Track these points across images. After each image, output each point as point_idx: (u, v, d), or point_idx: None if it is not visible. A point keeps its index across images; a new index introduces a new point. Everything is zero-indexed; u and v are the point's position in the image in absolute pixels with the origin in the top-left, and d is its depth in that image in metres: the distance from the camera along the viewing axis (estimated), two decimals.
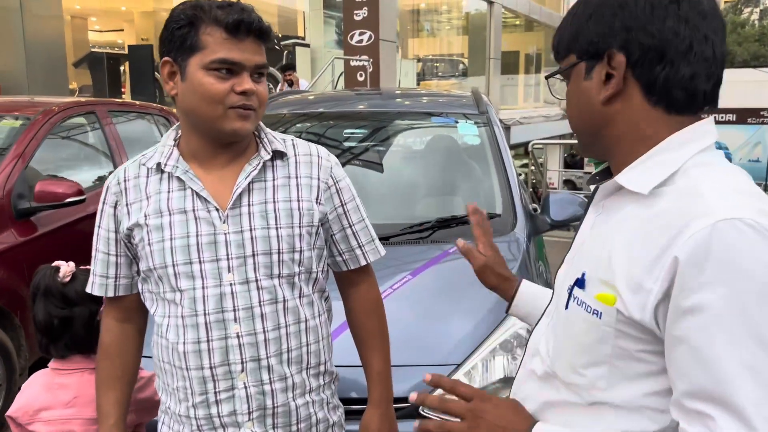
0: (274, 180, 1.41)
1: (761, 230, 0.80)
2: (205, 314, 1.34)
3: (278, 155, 1.44)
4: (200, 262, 1.34)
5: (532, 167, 10.94)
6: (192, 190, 1.36)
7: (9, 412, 1.67)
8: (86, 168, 4.41)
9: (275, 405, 1.39)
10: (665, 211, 0.87)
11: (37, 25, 10.02)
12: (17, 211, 3.53)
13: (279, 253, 1.37)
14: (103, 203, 1.42)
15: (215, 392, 1.35)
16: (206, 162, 1.39)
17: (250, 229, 1.36)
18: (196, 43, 1.30)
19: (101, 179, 4.39)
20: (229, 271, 1.35)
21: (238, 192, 1.37)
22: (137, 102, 6.08)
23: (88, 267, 1.70)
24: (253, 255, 1.36)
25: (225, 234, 1.35)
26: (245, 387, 1.36)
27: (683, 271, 0.82)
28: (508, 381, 2.04)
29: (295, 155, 1.46)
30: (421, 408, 1.92)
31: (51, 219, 3.71)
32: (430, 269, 2.36)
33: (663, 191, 0.90)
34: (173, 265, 1.34)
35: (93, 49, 14.77)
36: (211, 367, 1.35)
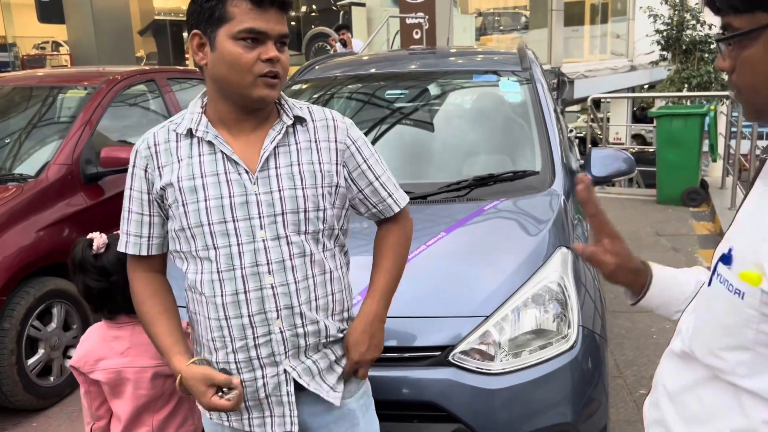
0: (297, 144, 1.52)
1: None
2: (242, 268, 1.46)
3: (299, 120, 1.54)
4: (234, 220, 1.45)
5: (593, 123, 10.65)
6: (223, 153, 1.47)
7: (72, 362, 1.84)
8: None
9: (308, 344, 1.53)
10: None
11: None
12: (85, 176, 3.78)
13: (305, 211, 1.49)
14: (134, 166, 1.51)
15: (254, 337, 1.49)
16: (233, 128, 1.50)
17: (279, 190, 1.47)
18: (224, 14, 1.40)
19: None
20: (261, 229, 1.46)
21: (265, 155, 1.48)
22: (196, 68, 6.26)
23: (118, 232, 1.84)
24: (283, 213, 1.47)
25: (256, 194, 1.46)
26: (281, 331, 1.49)
27: None
28: (539, 333, 2.10)
29: (313, 120, 1.56)
30: (451, 356, 2.01)
31: (116, 183, 3.95)
32: (464, 227, 2.43)
33: None
34: (209, 224, 1.45)
35: (157, 17, 15.12)
36: (249, 315, 1.47)
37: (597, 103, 9.45)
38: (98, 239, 1.80)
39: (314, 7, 15.19)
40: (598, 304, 2.39)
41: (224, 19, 1.40)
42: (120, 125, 4.36)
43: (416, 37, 10.20)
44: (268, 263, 1.47)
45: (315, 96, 3.48)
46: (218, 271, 1.47)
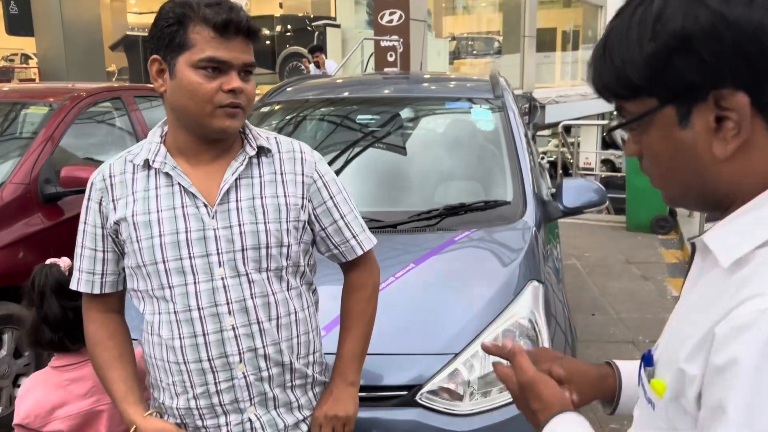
0: (261, 176, 1.44)
1: None
2: (198, 309, 1.38)
3: (263, 151, 1.46)
4: (191, 257, 1.37)
5: (563, 148, 10.75)
6: (180, 185, 1.39)
7: (18, 420, 1.68)
8: (111, 153, 4.49)
9: (273, 388, 1.44)
10: (743, 280, 0.68)
11: (75, 9, 10.17)
12: (44, 195, 3.64)
13: (267, 247, 1.41)
14: (88, 199, 1.45)
15: (215, 383, 1.40)
16: (193, 158, 1.42)
17: (239, 224, 1.39)
18: (185, 42, 1.32)
19: None
20: (220, 266, 1.38)
21: (225, 188, 1.40)
22: None
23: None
24: (243, 249, 1.39)
25: (214, 230, 1.38)
26: (245, 376, 1.41)
27: (715, 346, 0.66)
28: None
29: (279, 152, 1.48)
30: (418, 396, 1.94)
31: (77, 204, 3.80)
32: (433, 258, 2.37)
33: (753, 255, 0.70)
34: (164, 262, 1.37)
35: (129, 32, 14.97)
36: (209, 359, 1.39)
37: (568, 128, 9.54)
38: (63, 262, 1.71)
39: (289, 26, 15.20)
40: (569, 335, 2.34)
41: (185, 46, 1.32)
42: (83, 144, 4.24)
43: (390, 59, 10.23)
44: (228, 303, 1.38)
45: (286, 118, 3.42)
46: (175, 312, 1.39)
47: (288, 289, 1.45)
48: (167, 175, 1.40)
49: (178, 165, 1.40)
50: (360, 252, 1.57)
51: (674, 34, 0.70)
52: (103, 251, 1.45)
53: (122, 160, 1.45)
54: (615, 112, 0.82)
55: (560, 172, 9.53)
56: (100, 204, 1.43)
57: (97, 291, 1.47)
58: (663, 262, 6.10)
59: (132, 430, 1.40)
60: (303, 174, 1.48)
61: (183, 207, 1.38)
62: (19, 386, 3.35)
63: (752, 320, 0.64)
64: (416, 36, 10.79)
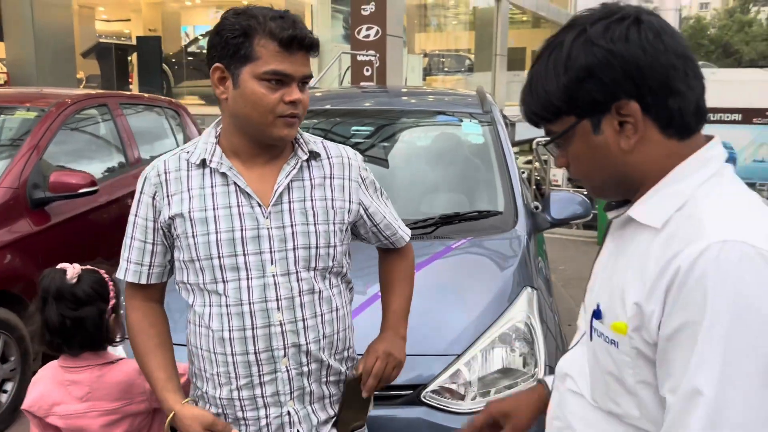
0: (311, 179, 1.51)
1: (761, 253, 0.85)
2: (250, 303, 1.43)
3: (313, 156, 1.53)
4: (245, 254, 1.43)
5: (536, 164, 10.97)
6: (236, 185, 1.45)
7: (24, 406, 1.74)
8: (98, 159, 4.50)
9: (310, 383, 1.50)
10: (669, 237, 0.92)
11: (46, 14, 10.05)
12: (32, 200, 3.62)
13: (317, 247, 1.48)
14: (141, 193, 1.48)
15: (259, 375, 1.46)
16: (247, 160, 1.48)
17: (292, 225, 1.46)
18: (250, 54, 1.37)
19: (112, 171, 4.49)
20: (272, 263, 1.44)
21: (279, 190, 1.47)
22: (146, 95, 6.16)
23: (90, 267, 1.76)
24: (294, 249, 1.46)
25: (268, 229, 1.45)
26: (287, 370, 1.47)
27: (671, 292, 0.88)
28: (506, 372, 2.12)
29: (328, 157, 1.56)
30: (423, 395, 2.01)
31: (65, 209, 3.81)
32: (433, 264, 2.45)
33: (671, 219, 0.95)
34: (219, 257, 1.43)
35: (101, 40, 14.82)
36: (255, 353, 1.45)
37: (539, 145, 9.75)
38: (72, 269, 1.73)
39: None
40: (560, 342, 2.44)
41: (250, 58, 1.37)
42: (70, 149, 4.22)
43: (367, 74, 10.34)
44: (277, 299, 1.45)
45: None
46: (226, 305, 1.44)
47: (330, 287, 1.53)
48: (223, 174, 1.45)
49: (234, 166, 1.46)
50: (407, 239, 1.72)
51: (580, 68, 0.96)
52: (153, 243, 1.49)
53: (177, 158, 1.49)
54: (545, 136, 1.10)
55: (533, 188, 9.72)
56: (154, 198, 1.47)
57: (143, 281, 1.51)
58: None
59: (170, 416, 1.44)
60: (350, 178, 1.56)
61: (239, 206, 1.44)
62: (5, 391, 3.32)
63: (695, 259, 0.87)
64: (393, 51, 10.94)
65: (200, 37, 16.61)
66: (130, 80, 14.64)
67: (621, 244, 1.04)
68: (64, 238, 3.79)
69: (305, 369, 1.49)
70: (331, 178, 1.53)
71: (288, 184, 1.48)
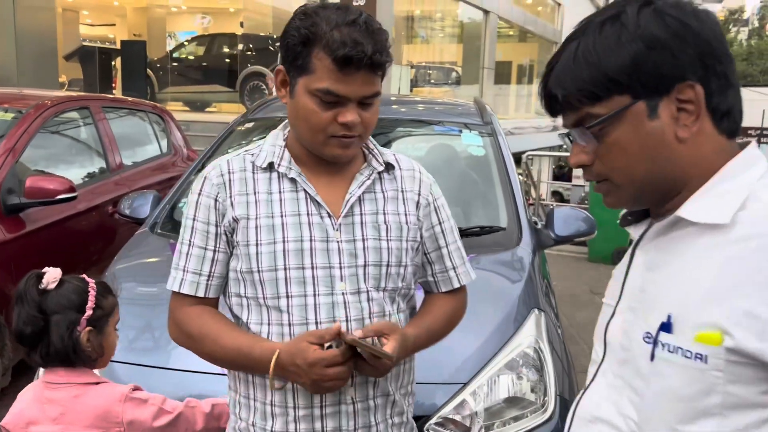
0: (383, 192, 1.38)
1: None
2: (317, 323, 1.28)
3: (388, 167, 1.40)
4: (313, 267, 1.29)
5: (526, 179, 10.92)
6: (306, 192, 1.32)
7: (3, 422, 1.60)
8: (78, 164, 4.31)
9: (377, 422, 1.34)
10: (757, 235, 0.82)
11: (29, 16, 9.87)
12: (6, 206, 3.42)
13: (388, 265, 1.34)
14: (199, 194, 1.34)
15: (321, 406, 1.30)
16: (315, 168, 1.35)
17: (363, 239, 1.33)
18: (307, 65, 1.24)
19: (92, 176, 4.30)
20: (341, 280, 1.30)
21: (351, 201, 1.33)
22: (129, 99, 5.98)
23: (81, 276, 1.62)
24: (365, 265, 1.32)
25: (338, 242, 1.31)
26: (353, 402, 1.31)
27: None
28: (512, 401, 1.98)
29: (400, 169, 1.42)
30: (426, 427, 1.86)
31: (41, 216, 3.61)
32: None
33: (737, 217, 0.85)
34: (285, 269, 1.28)
35: (85, 43, 14.58)
36: None
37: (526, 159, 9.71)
38: (50, 273, 1.57)
39: (251, 45, 15.06)
40: (565, 362, 2.30)
41: (306, 70, 1.24)
42: (49, 153, 4.03)
43: None
44: (347, 320, 1.29)
45: (264, 135, 3.32)
46: (289, 324, 1.29)
47: (398, 311, 1.38)
48: (292, 180, 1.33)
49: (302, 172, 1.34)
50: (456, 285, 1.48)
51: (652, 37, 0.86)
52: (214, 251, 1.33)
53: (241, 158, 1.36)
54: (567, 135, 0.96)
55: (533, 203, 9.67)
56: (216, 200, 1.32)
57: (201, 293, 1.33)
58: None
59: (275, 354, 1.23)
60: (419, 194, 1.42)
61: (308, 215, 1.31)
62: None
63: None
64: None
65: (186, 43, 16.43)
66: (113, 84, 14.42)
67: (664, 253, 0.92)
68: (40, 247, 3.59)
69: (371, 403, 1.33)
70: (403, 191, 1.40)
71: (360, 196, 1.34)
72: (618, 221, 1.02)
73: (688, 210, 0.89)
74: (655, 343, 0.88)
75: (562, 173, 20.85)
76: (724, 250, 0.84)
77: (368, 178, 1.36)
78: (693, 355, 0.83)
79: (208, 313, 1.35)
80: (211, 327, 1.32)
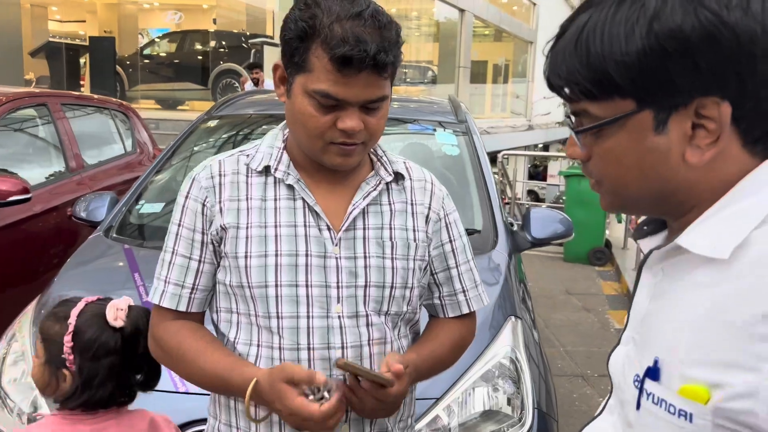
0: (391, 204, 1.24)
1: None
2: (309, 348, 1.15)
3: (397, 177, 1.26)
4: (308, 285, 1.15)
5: (501, 178, 10.87)
6: (304, 201, 1.19)
7: None
8: (34, 164, 4.11)
9: None
10: (744, 271, 0.66)
11: None
12: None
13: (392, 287, 1.20)
14: (186, 197, 1.20)
15: None
16: (316, 174, 1.21)
17: (365, 257, 1.19)
18: (304, 63, 1.10)
19: (50, 176, 4.10)
20: (338, 302, 1.16)
21: (354, 213, 1.19)
22: (95, 96, 5.77)
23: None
24: (366, 286, 1.18)
25: (336, 258, 1.17)
26: None
27: None
28: (488, 414, 1.88)
29: (411, 179, 1.27)
30: None
31: None
32: None
33: (742, 244, 0.68)
34: (276, 286, 1.15)
35: (52, 39, 14.22)
36: None
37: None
38: (117, 308, 1.34)
39: (224, 43, 14.82)
40: (542, 368, 2.20)
41: (303, 68, 1.10)
42: (2, 153, 3.83)
43: None
44: (343, 347, 1.15)
45: (231, 133, 3.18)
46: (280, 348, 1.15)
47: (400, 338, 1.24)
48: (289, 187, 1.19)
49: (302, 178, 1.20)
50: (465, 310, 1.32)
51: (672, 34, 0.66)
52: (200, 261, 1.20)
53: (235, 159, 1.23)
54: (568, 116, 0.78)
55: (506, 204, 9.60)
56: (204, 204, 1.19)
57: (182, 308, 1.20)
58: (602, 293, 6.15)
59: (252, 383, 1.09)
60: (430, 208, 1.27)
61: (306, 226, 1.18)
62: None
63: None
64: None
65: (157, 40, 16.12)
66: (81, 82, 14.08)
67: (666, 280, 0.76)
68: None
69: None
70: (413, 204, 1.25)
71: (364, 208, 1.20)
72: (623, 223, 0.85)
73: (686, 238, 0.72)
74: (640, 390, 0.74)
75: (537, 172, 20.95)
76: (720, 286, 0.67)
77: (375, 189, 1.21)
78: (677, 412, 0.69)
79: (188, 329, 1.21)
80: (191, 345, 1.19)
